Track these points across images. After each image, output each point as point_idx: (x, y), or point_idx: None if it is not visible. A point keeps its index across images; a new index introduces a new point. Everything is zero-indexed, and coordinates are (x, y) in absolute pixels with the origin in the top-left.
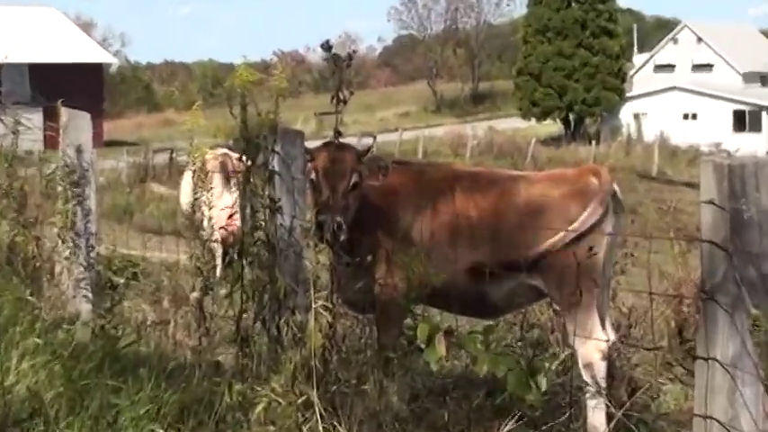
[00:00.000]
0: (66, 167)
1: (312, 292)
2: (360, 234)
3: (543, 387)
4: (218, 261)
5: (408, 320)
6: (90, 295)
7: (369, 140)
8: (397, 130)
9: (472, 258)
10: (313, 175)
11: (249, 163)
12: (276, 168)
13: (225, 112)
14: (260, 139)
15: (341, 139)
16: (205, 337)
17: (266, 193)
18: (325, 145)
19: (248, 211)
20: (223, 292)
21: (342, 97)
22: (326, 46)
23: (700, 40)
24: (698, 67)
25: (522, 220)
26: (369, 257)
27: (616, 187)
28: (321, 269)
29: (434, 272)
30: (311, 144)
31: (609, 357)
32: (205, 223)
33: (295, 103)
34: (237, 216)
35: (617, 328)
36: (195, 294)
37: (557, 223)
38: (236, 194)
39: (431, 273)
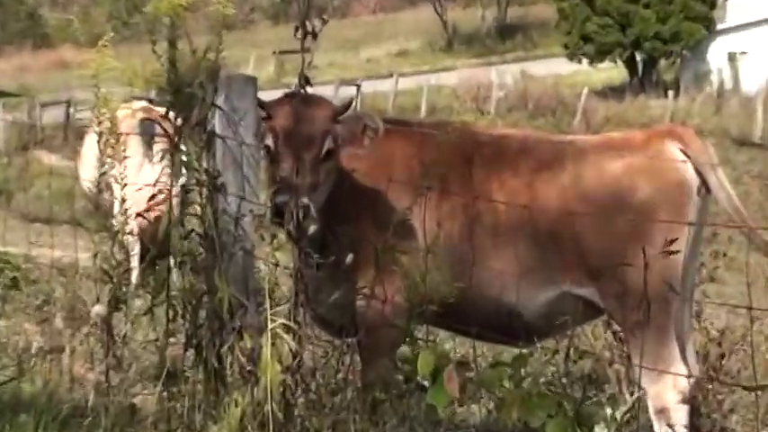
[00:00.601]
0: None
1: (268, 307)
2: (337, 224)
3: None
4: (135, 262)
5: (405, 348)
6: None
7: (350, 91)
8: (391, 75)
9: (497, 259)
10: (270, 140)
11: (179, 122)
12: (218, 130)
13: (145, 49)
14: (195, 88)
15: (310, 90)
16: (115, 370)
17: (203, 165)
18: (288, 97)
19: (178, 190)
20: (140, 305)
21: (310, 29)
22: None
23: None
24: None
25: (570, 205)
26: (349, 257)
27: (713, 156)
28: (281, 274)
29: (444, 279)
30: (268, 96)
31: (691, 400)
32: (116, 208)
33: (245, 36)
34: (162, 198)
35: (703, 358)
36: (100, 309)
37: (619, 210)
38: (160, 167)
39: (439, 280)
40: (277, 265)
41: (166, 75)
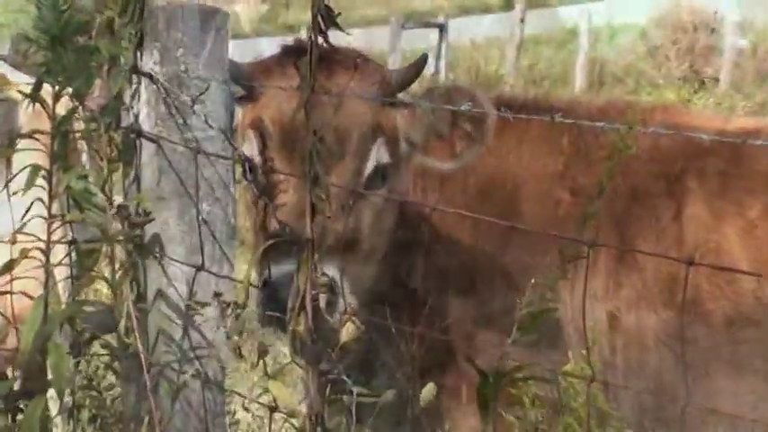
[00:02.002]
0: None
1: None
2: (401, 318)
3: None
4: None
5: None
6: None
7: (424, 38)
8: (509, 7)
9: (742, 391)
10: (254, 147)
11: (66, 108)
12: (146, 126)
13: None
14: (97, 35)
15: (336, 38)
16: None
17: (116, 198)
18: (291, 55)
19: (66, 251)
20: None
21: None
22: None
23: None
24: None
25: None
26: (427, 390)
27: None
28: (283, 428)
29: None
30: (251, 52)
31: None
32: None
33: None
34: (30, 268)
35: None
36: None
37: None
38: (27, 203)
39: (618, 428)
40: (274, 409)
41: (36, 8)
